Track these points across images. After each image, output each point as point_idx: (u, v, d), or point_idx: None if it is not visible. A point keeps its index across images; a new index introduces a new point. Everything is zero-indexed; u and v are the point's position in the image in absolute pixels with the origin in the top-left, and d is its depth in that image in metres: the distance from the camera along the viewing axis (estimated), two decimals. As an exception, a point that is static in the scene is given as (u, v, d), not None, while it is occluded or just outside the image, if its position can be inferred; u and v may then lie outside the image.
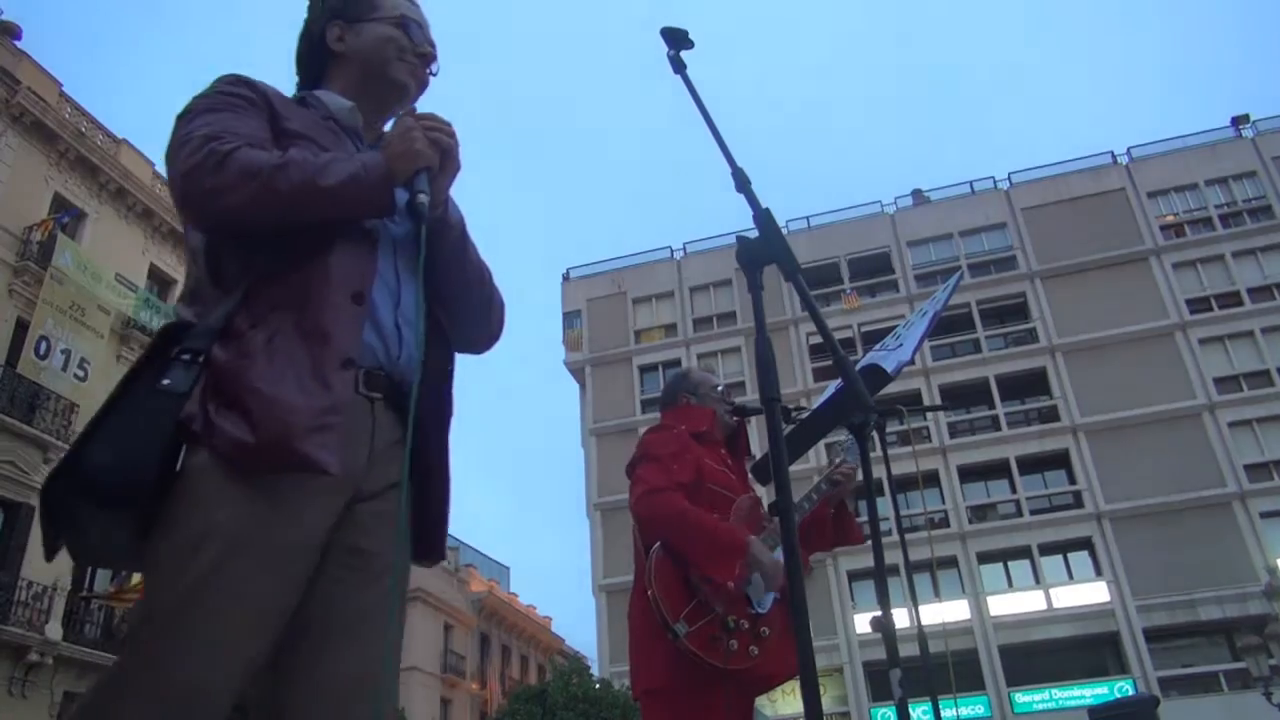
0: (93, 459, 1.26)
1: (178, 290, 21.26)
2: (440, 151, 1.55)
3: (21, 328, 16.98)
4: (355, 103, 1.69)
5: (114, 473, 1.25)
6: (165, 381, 1.31)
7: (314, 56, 1.71)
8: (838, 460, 3.05)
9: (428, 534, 1.58)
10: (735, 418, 3.07)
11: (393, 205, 1.51)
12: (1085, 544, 26.56)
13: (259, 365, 1.35)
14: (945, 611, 25.06)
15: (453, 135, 1.58)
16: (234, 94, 1.55)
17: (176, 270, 21.57)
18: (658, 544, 2.64)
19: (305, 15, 1.75)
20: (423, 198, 1.50)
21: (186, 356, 1.34)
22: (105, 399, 1.34)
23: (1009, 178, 32.60)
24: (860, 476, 2.85)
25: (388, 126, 1.72)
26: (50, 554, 1.37)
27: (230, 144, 1.42)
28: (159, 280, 21.22)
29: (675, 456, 2.76)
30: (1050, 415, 28.61)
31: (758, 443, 2.74)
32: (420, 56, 1.71)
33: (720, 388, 3.12)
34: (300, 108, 1.64)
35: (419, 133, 1.53)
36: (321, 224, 1.47)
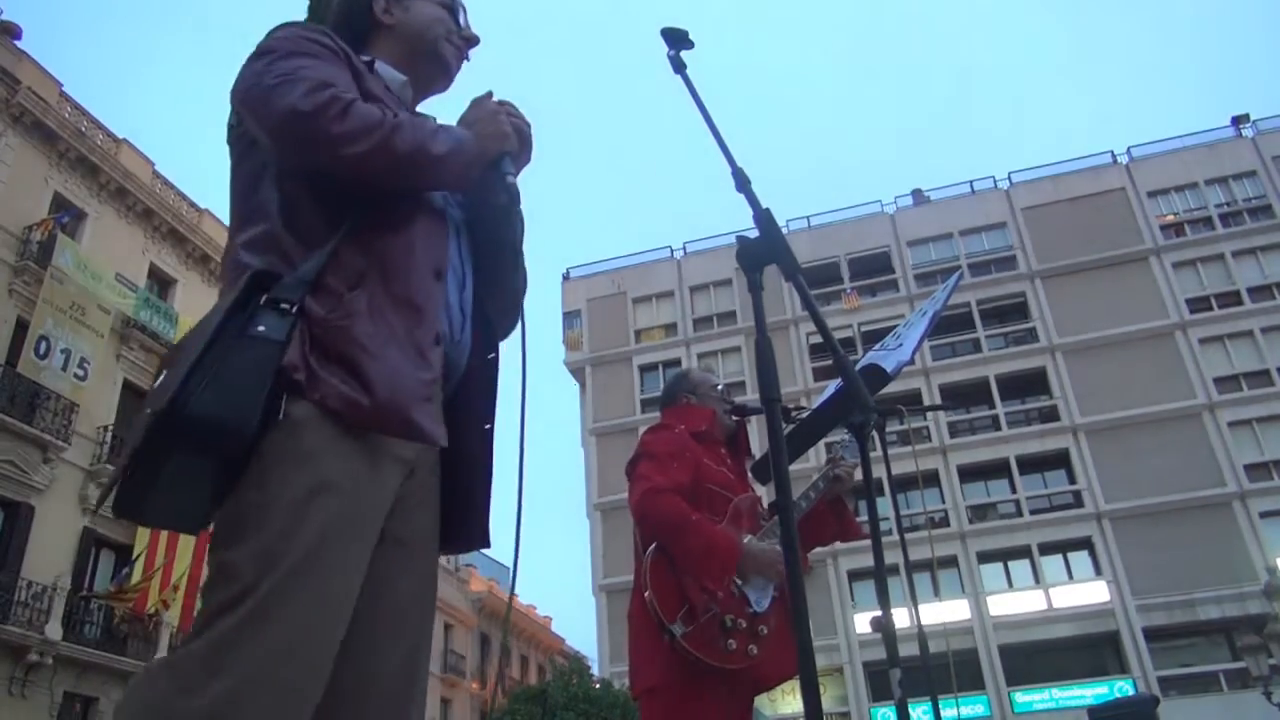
0: (197, 405, 1.18)
1: (178, 290, 21.34)
2: (520, 138, 1.60)
3: (21, 327, 16.97)
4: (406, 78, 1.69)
5: (220, 418, 1.18)
6: (260, 328, 1.25)
7: (356, 21, 1.67)
8: (837, 456, 3.05)
9: (474, 520, 1.57)
10: (735, 417, 3.07)
11: (478, 181, 1.56)
12: (1085, 544, 26.57)
13: (365, 326, 1.33)
14: (945, 611, 25.07)
15: (529, 125, 1.63)
16: (321, 43, 1.52)
17: (176, 270, 21.57)
18: (653, 545, 2.64)
19: None
20: (512, 179, 1.56)
21: (283, 306, 1.29)
22: (190, 342, 1.27)
23: (1009, 177, 32.63)
24: (859, 475, 2.85)
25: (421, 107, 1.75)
26: (129, 512, 1.26)
27: (349, 94, 1.42)
28: (159, 280, 21.22)
29: (674, 456, 2.76)
30: (1050, 415, 28.62)
31: (758, 443, 2.74)
32: (465, 40, 1.74)
33: (720, 387, 3.12)
34: (369, 72, 1.62)
35: (505, 117, 1.58)
36: (410, 193, 1.49)
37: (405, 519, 1.42)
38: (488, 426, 1.59)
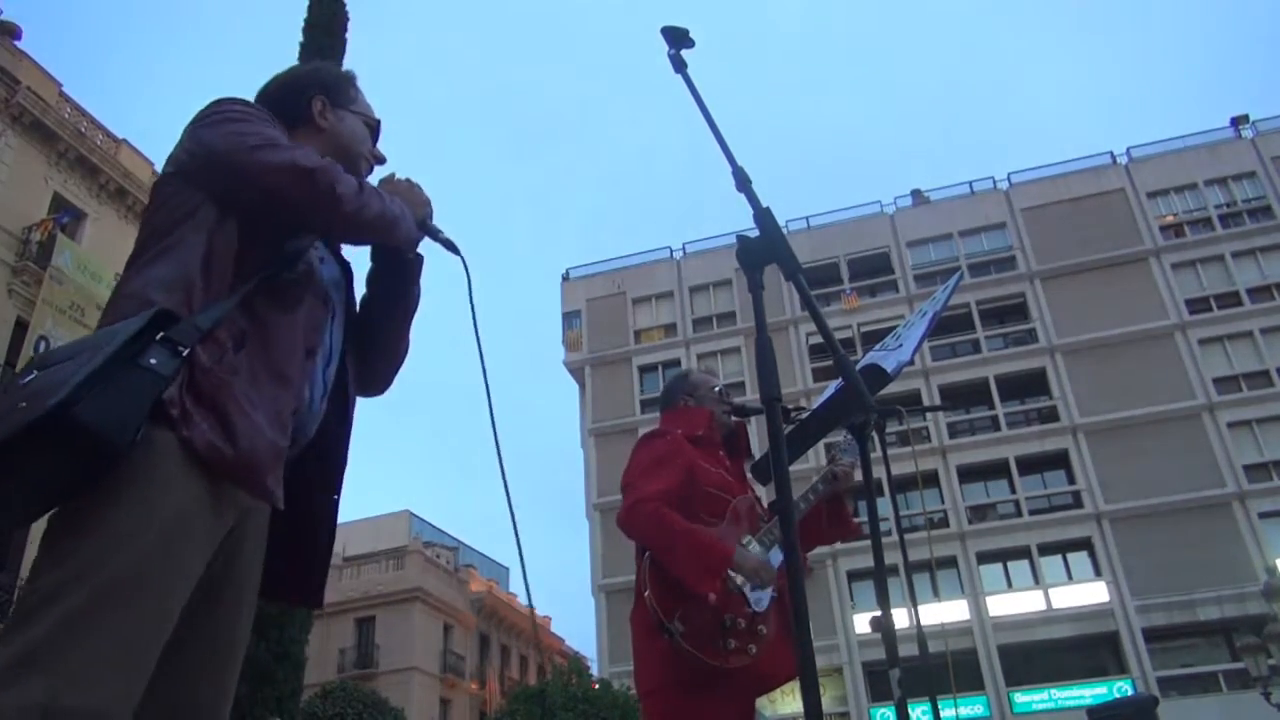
0: (84, 412, 1.24)
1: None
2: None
3: (21, 328, 16.97)
4: None
5: (101, 430, 1.24)
6: (153, 361, 1.33)
7: (291, 111, 1.81)
8: (836, 456, 3.05)
9: (311, 579, 1.69)
10: (734, 418, 3.07)
11: (413, 243, 1.81)
12: (1084, 544, 26.58)
13: (242, 385, 1.45)
14: (945, 612, 25.09)
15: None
16: (273, 123, 1.68)
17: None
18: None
19: (291, 69, 1.93)
20: (446, 235, 1.85)
21: (179, 348, 1.38)
22: (76, 352, 1.33)
23: (1009, 178, 32.65)
24: (858, 475, 2.84)
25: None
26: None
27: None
28: (158, 280, 21.22)
29: (662, 462, 2.75)
30: (1050, 415, 28.64)
31: (758, 443, 2.74)
32: (375, 159, 1.94)
33: (719, 388, 3.11)
34: None
35: (419, 188, 1.86)
36: (304, 277, 1.64)
37: (232, 561, 1.49)
38: (336, 498, 1.73)
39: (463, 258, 1.85)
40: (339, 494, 1.72)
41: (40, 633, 1.20)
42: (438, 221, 1.89)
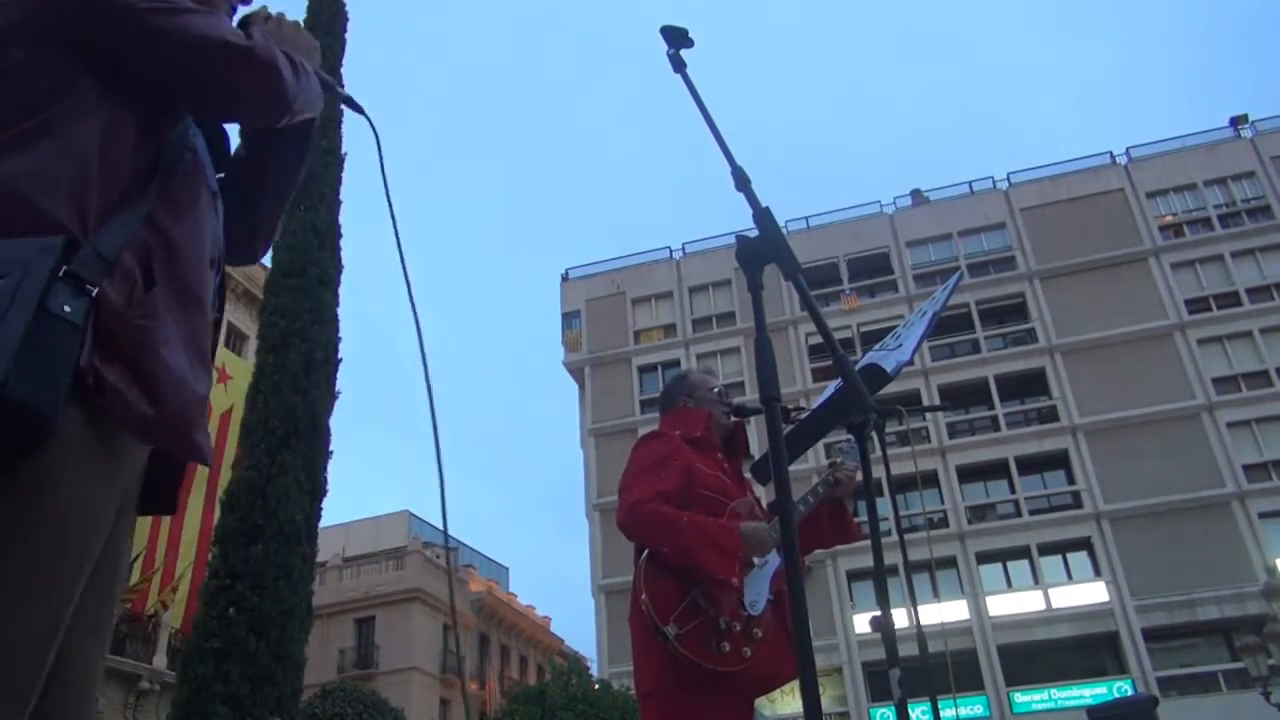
0: (20, 389, 0.99)
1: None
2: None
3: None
4: None
5: (37, 408, 1.01)
6: (66, 308, 1.05)
7: None
8: (838, 460, 3.04)
9: (170, 484, 1.39)
10: (732, 419, 3.06)
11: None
12: (1084, 544, 26.59)
13: (161, 330, 1.17)
14: (944, 612, 25.08)
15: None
16: None
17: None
18: (646, 550, 2.64)
19: None
20: (345, 90, 1.54)
21: (87, 286, 1.09)
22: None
23: (1008, 178, 32.66)
24: (860, 478, 2.84)
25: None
26: None
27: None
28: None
29: (660, 464, 2.76)
30: (1049, 415, 28.65)
31: (757, 443, 2.73)
32: None
33: (718, 389, 3.11)
34: None
35: (302, 30, 1.50)
36: (194, 169, 1.32)
37: (123, 520, 1.29)
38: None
39: (367, 116, 1.56)
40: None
41: None
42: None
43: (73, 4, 1.20)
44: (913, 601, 2.77)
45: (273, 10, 1.51)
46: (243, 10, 1.49)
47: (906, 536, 3.64)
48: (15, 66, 1.18)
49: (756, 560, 2.66)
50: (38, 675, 1.07)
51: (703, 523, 2.61)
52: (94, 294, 1.08)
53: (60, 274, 1.05)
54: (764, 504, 2.98)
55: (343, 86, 1.58)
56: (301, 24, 1.49)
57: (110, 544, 1.22)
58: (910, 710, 2.36)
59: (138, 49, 1.22)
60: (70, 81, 1.19)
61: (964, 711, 24.52)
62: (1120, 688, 23.37)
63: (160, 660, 18.70)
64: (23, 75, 1.18)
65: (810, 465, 20.08)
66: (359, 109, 1.55)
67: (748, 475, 3.05)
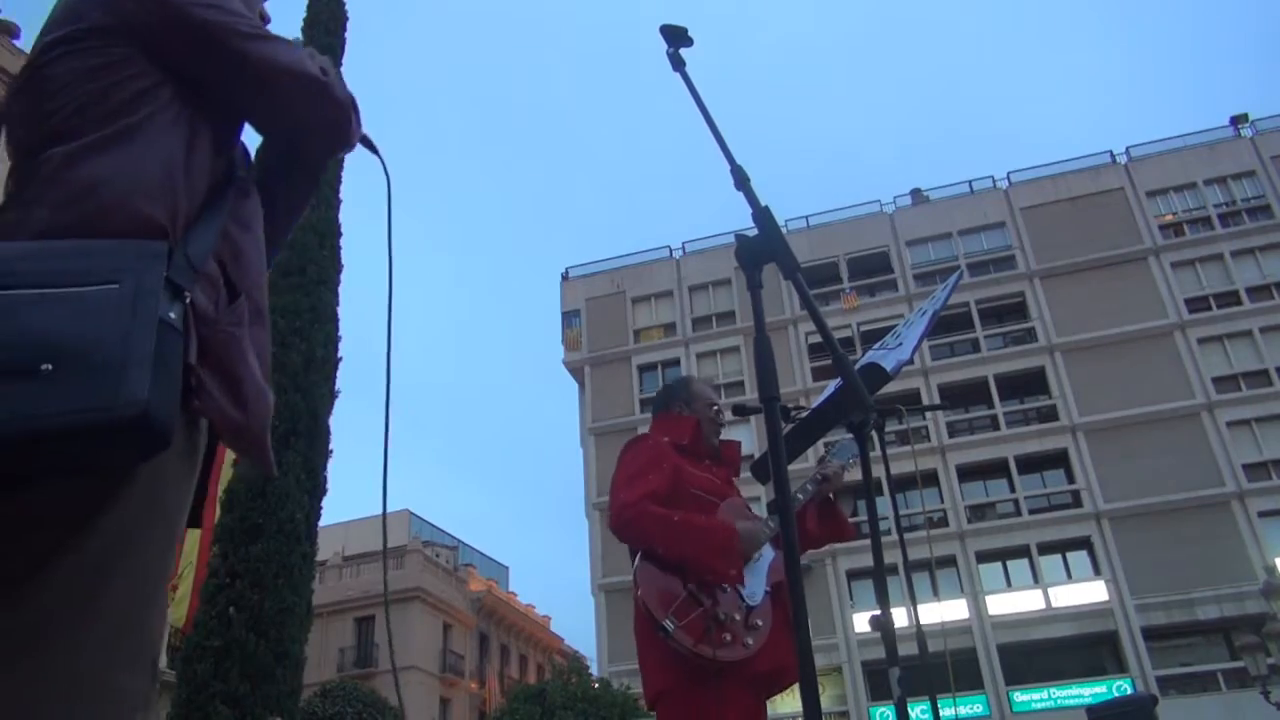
0: (158, 407, 0.99)
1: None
2: None
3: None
4: None
5: (166, 425, 1.01)
6: (171, 315, 1.05)
7: None
8: (825, 458, 3.06)
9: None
10: (734, 415, 3.07)
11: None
12: (1084, 543, 26.58)
13: (247, 338, 1.20)
14: (944, 611, 25.08)
15: None
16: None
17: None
18: (640, 552, 2.65)
19: None
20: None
21: (184, 293, 1.10)
22: (105, 301, 1.01)
23: (1008, 177, 32.63)
24: (849, 476, 2.85)
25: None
26: None
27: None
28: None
29: (648, 467, 2.76)
30: (1049, 415, 28.64)
31: (756, 442, 2.74)
32: (261, 18, 1.54)
33: (716, 408, 3.09)
34: None
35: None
36: (250, 180, 1.36)
37: None
38: None
39: (381, 159, 1.56)
40: None
41: (13, 643, 0.98)
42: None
43: (170, 18, 1.21)
44: (912, 601, 2.77)
45: (278, 18, 1.53)
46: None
47: (906, 536, 3.64)
48: (105, 66, 1.19)
49: (743, 584, 2.66)
50: (138, 641, 1.09)
51: (694, 519, 2.63)
52: (188, 300, 1.10)
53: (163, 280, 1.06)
54: (764, 502, 2.98)
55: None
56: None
57: None
58: (910, 709, 2.37)
59: (229, 70, 1.25)
60: (157, 87, 1.21)
61: (963, 711, 24.52)
62: (1120, 687, 23.37)
63: (160, 659, 18.72)
64: (113, 76, 1.19)
65: (810, 464, 20.03)
66: (373, 149, 1.55)
67: (750, 475, 3.05)
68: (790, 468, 1.62)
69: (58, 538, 1.00)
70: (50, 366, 0.95)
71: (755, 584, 2.67)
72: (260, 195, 1.44)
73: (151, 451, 1.02)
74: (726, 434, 3.14)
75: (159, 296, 1.03)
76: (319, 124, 1.34)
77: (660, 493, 2.68)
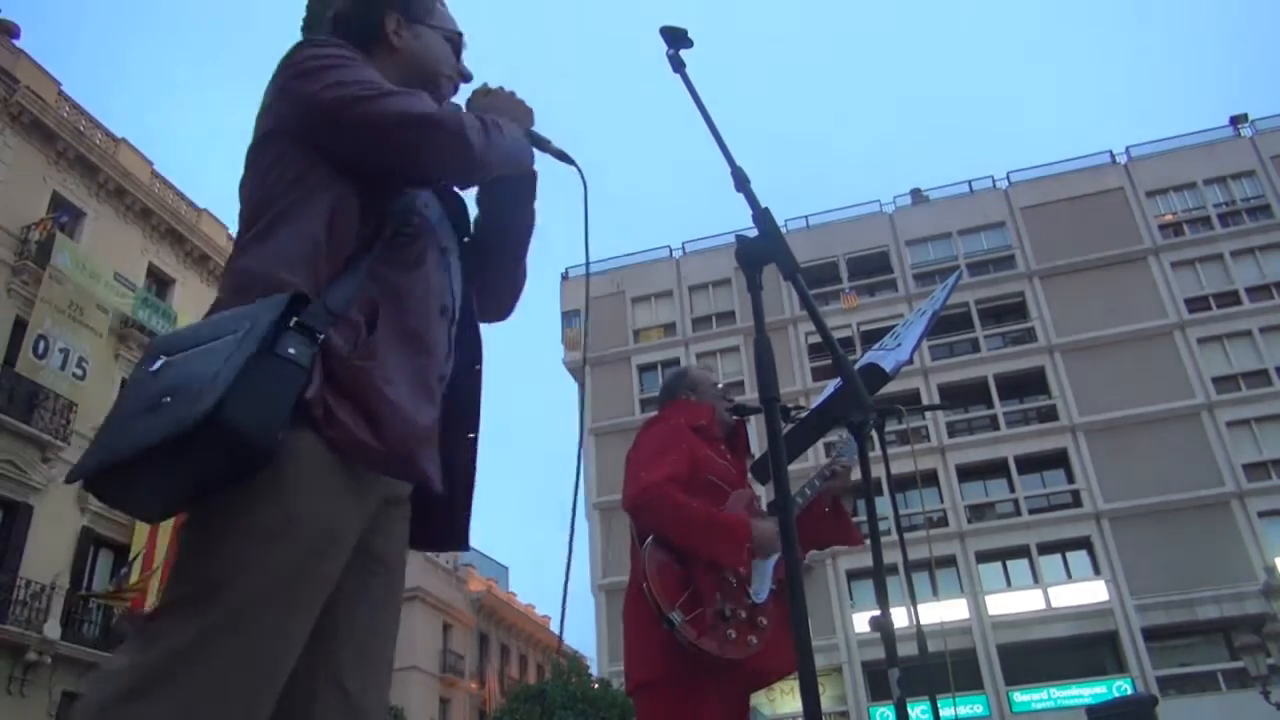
0: (234, 412, 1.16)
1: (177, 290, 21.30)
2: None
3: (20, 327, 16.96)
4: None
5: (250, 432, 1.17)
6: (290, 351, 1.24)
7: (362, 34, 1.64)
8: (834, 456, 3.05)
9: (455, 522, 1.62)
10: (734, 416, 3.07)
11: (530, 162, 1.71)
12: (1084, 543, 26.58)
13: (381, 369, 1.35)
14: (944, 611, 25.07)
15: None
16: (360, 60, 1.56)
17: (175, 269, 21.54)
18: (650, 537, 2.64)
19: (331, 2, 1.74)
20: (556, 145, 1.74)
21: (316, 334, 1.28)
22: (204, 339, 1.25)
23: (1008, 177, 32.62)
24: (856, 473, 2.85)
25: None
26: (108, 494, 1.25)
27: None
28: (157, 279, 21.20)
29: (669, 448, 2.76)
30: (1049, 414, 28.63)
31: (757, 442, 2.74)
32: (461, 76, 1.77)
33: (719, 385, 3.12)
34: None
35: (516, 96, 1.72)
36: (420, 231, 1.53)
37: (388, 535, 1.46)
38: (472, 435, 1.64)
39: (578, 166, 1.74)
40: (477, 432, 1.64)
41: (156, 658, 1.15)
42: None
43: (308, 108, 1.45)
44: (912, 601, 2.78)
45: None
46: (464, 89, 1.75)
47: (906, 536, 3.65)
48: (271, 165, 1.46)
49: (749, 581, 2.66)
50: (276, 666, 1.21)
51: (713, 512, 2.63)
52: (320, 340, 1.28)
53: (291, 324, 1.26)
54: (763, 502, 2.98)
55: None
56: (517, 93, 1.72)
57: (379, 570, 1.42)
58: (910, 709, 2.37)
59: (355, 137, 1.45)
60: (306, 174, 1.44)
61: (963, 711, 24.52)
62: (1120, 687, 23.36)
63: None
64: (278, 171, 1.45)
65: (810, 464, 20.07)
66: (570, 161, 1.73)
67: (749, 477, 3.05)
68: (790, 468, 1.63)
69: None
70: (169, 399, 1.18)
71: (761, 582, 2.68)
72: (480, 238, 1.74)
73: (240, 457, 1.18)
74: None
75: (261, 332, 1.22)
76: (430, 155, 1.48)
77: (681, 477, 2.68)
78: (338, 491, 1.29)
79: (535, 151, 1.73)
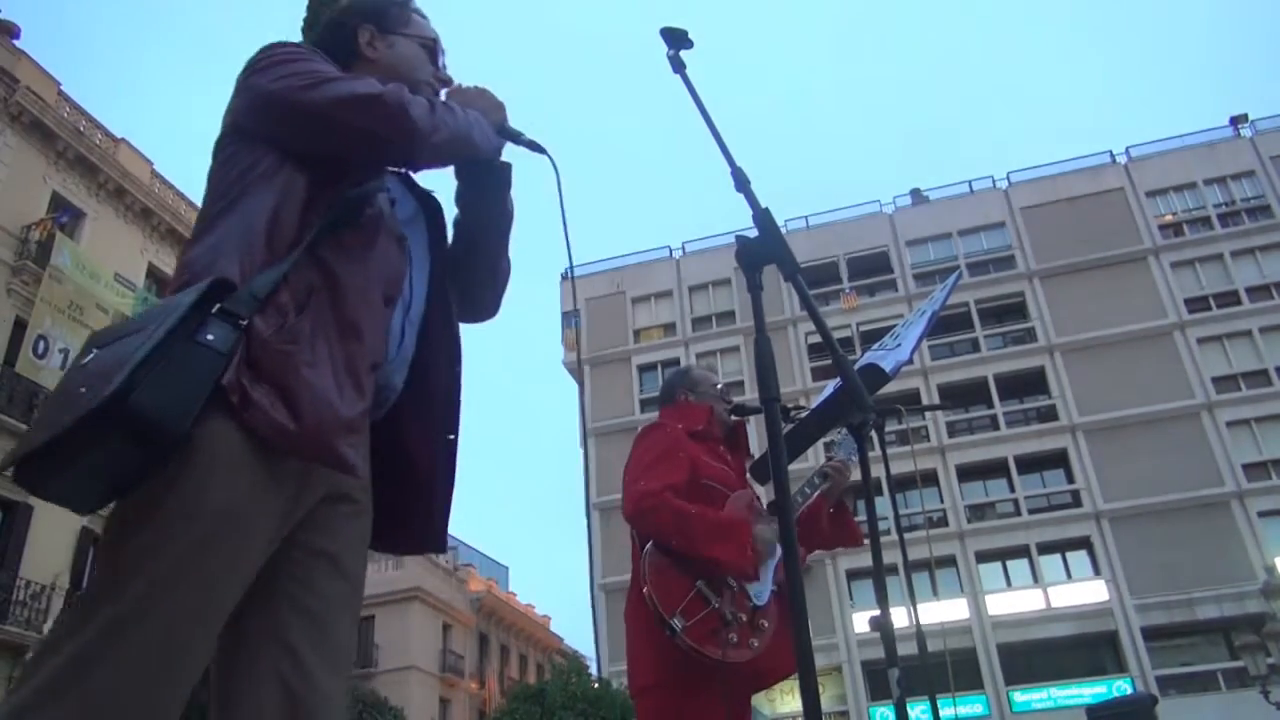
0: (141, 400, 1.17)
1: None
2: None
3: (20, 327, 16.97)
4: None
5: (159, 418, 1.18)
6: (210, 337, 1.25)
7: (338, 49, 1.68)
8: (833, 455, 3.05)
9: (430, 525, 1.62)
10: (734, 416, 3.07)
11: (495, 151, 1.73)
12: (1083, 543, 26.59)
13: (306, 354, 1.34)
14: (944, 611, 25.08)
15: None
16: (324, 60, 1.59)
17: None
18: (650, 541, 2.64)
19: (330, 3, 1.76)
20: (528, 136, 1.75)
21: (239, 320, 1.29)
22: (131, 331, 1.26)
23: (1008, 177, 32.64)
24: (855, 473, 2.85)
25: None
26: (32, 485, 1.25)
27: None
28: (158, 279, 21.19)
29: (665, 456, 2.76)
30: (1049, 414, 28.64)
31: (757, 442, 2.74)
32: (441, 82, 1.78)
33: (719, 385, 3.12)
34: None
35: (491, 91, 1.76)
36: (372, 221, 1.52)
37: (333, 534, 1.43)
38: (451, 437, 1.64)
39: (550, 156, 1.74)
40: (456, 434, 1.64)
41: (67, 655, 1.15)
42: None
43: (258, 101, 1.49)
44: (912, 600, 2.77)
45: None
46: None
47: (906, 536, 3.64)
48: (224, 161, 1.49)
49: (750, 584, 2.67)
50: (179, 657, 1.20)
51: (713, 516, 2.63)
52: (243, 325, 1.29)
53: (214, 311, 1.28)
54: (763, 502, 2.98)
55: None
56: (487, 88, 1.76)
57: (321, 565, 1.41)
58: (909, 709, 2.37)
59: (301, 125, 1.48)
60: (254, 165, 1.46)
61: (963, 710, 24.52)
62: (1120, 687, 23.37)
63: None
64: (229, 167, 1.48)
65: (810, 464, 20.04)
66: (542, 150, 1.75)
67: (748, 477, 3.05)
68: (790, 468, 1.63)
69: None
70: (84, 389, 1.19)
71: (762, 584, 2.67)
72: (456, 238, 1.76)
73: (153, 443, 1.19)
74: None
75: (175, 320, 1.23)
76: (372, 131, 1.48)
77: (679, 484, 2.68)
78: (249, 477, 1.27)
79: (531, 152, 1.75)
